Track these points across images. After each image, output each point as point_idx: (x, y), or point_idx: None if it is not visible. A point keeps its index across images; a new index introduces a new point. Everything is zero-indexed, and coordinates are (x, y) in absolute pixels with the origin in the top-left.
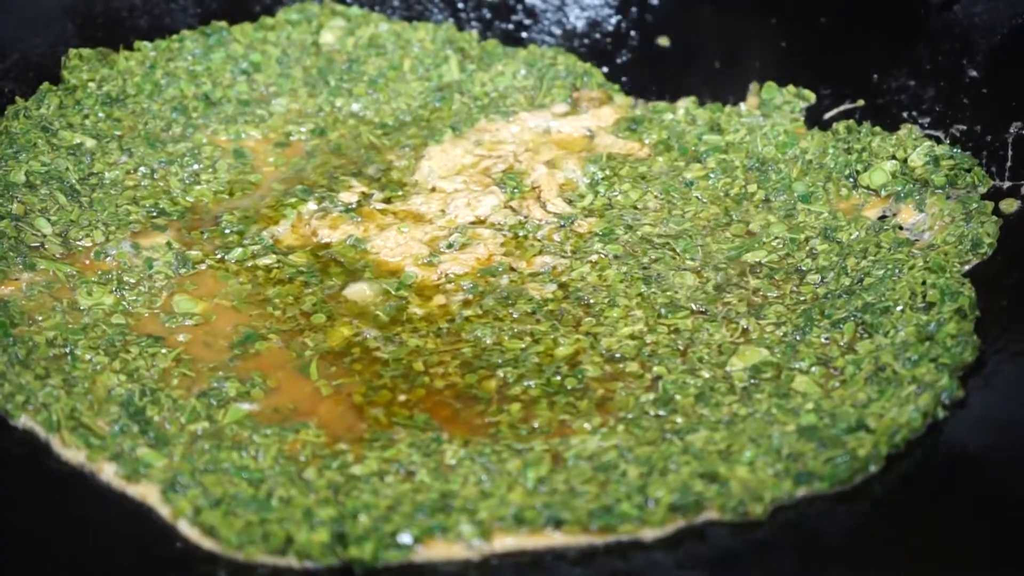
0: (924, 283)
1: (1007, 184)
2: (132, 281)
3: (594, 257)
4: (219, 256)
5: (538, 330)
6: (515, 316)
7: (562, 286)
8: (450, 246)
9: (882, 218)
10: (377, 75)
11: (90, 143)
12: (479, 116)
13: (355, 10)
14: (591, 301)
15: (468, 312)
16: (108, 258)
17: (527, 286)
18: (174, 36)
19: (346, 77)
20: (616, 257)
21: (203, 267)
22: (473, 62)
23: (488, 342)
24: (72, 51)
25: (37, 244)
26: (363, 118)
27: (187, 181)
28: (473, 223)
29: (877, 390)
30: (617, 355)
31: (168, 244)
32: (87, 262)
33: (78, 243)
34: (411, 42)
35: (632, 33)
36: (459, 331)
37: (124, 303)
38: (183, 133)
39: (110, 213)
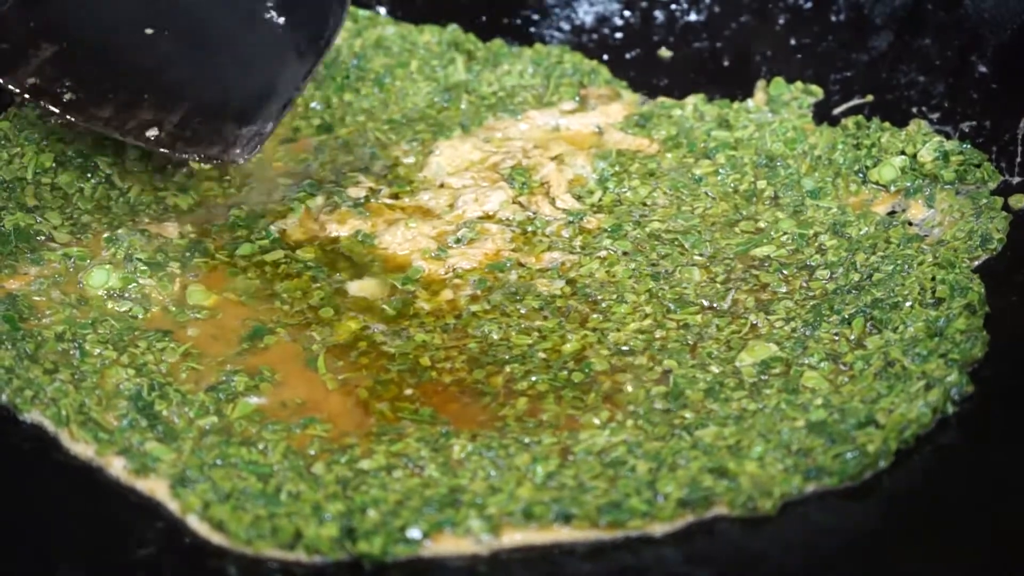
0: (933, 279)
1: (1016, 179)
2: (142, 259)
3: (603, 253)
4: (228, 251)
5: (545, 326)
6: (523, 312)
7: (570, 282)
8: (458, 241)
9: (891, 214)
10: (384, 73)
11: (97, 138)
12: (487, 115)
13: (362, 12)
14: (599, 297)
15: (475, 307)
16: (117, 249)
17: (535, 282)
18: None
19: (352, 74)
20: (625, 253)
21: (212, 262)
22: (479, 63)
23: (495, 337)
24: None
25: (46, 237)
26: (371, 114)
27: (194, 175)
28: (481, 218)
29: (886, 386)
30: (624, 348)
31: (179, 236)
32: (101, 252)
33: (88, 231)
34: (417, 44)
35: (640, 29)
36: (466, 326)
37: (134, 286)
38: None
39: (119, 207)
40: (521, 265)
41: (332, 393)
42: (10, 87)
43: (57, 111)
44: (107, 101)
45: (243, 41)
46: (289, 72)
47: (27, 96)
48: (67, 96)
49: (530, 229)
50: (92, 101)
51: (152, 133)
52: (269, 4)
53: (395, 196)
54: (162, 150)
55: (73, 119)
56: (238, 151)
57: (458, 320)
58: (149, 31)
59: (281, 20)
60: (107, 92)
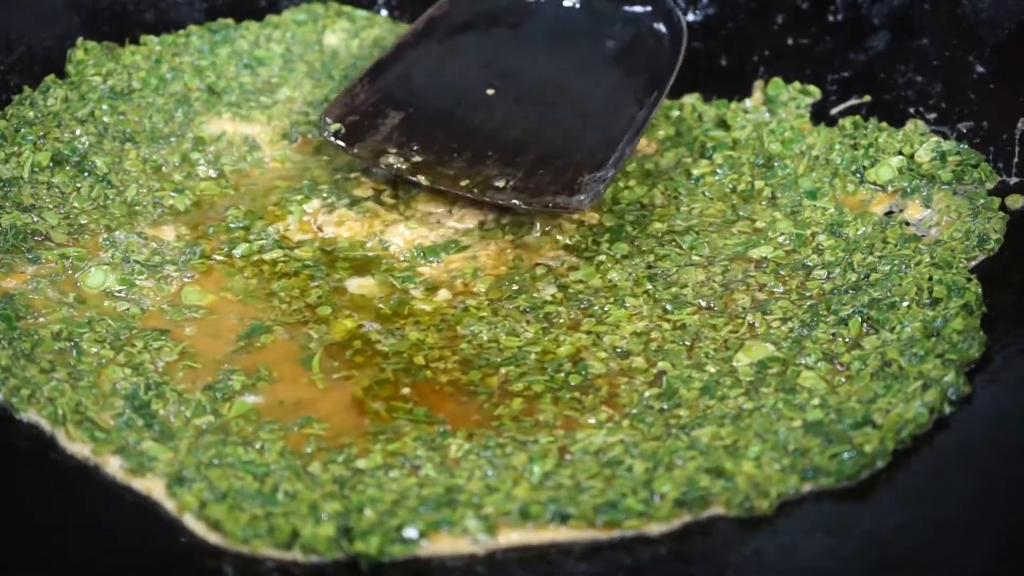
0: (930, 279)
1: (1014, 180)
2: (140, 261)
3: (602, 257)
4: (226, 251)
5: (530, 330)
6: (514, 313)
7: (562, 287)
8: (456, 244)
9: (888, 214)
10: None
11: (94, 137)
12: None
13: (360, 12)
14: (591, 301)
15: (468, 305)
16: (115, 251)
17: (532, 285)
18: (180, 31)
19: (351, 74)
20: (623, 256)
21: (210, 262)
22: None
23: (484, 338)
24: (79, 42)
25: (42, 236)
26: None
27: (192, 176)
28: (481, 221)
29: (883, 386)
30: (619, 350)
31: (176, 238)
32: (98, 253)
33: (85, 231)
34: None
35: None
36: (456, 324)
37: (131, 289)
38: (188, 127)
39: (116, 207)
40: (516, 268)
41: (328, 392)
42: (362, 155)
43: (407, 173)
44: (453, 160)
45: (582, 92)
46: (628, 116)
47: (380, 164)
48: (416, 158)
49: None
50: (440, 162)
51: (498, 185)
52: (607, 54)
53: (395, 198)
54: (508, 203)
55: (423, 179)
56: (583, 197)
57: (448, 321)
58: (490, 91)
59: (619, 68)
60: (453, 152)
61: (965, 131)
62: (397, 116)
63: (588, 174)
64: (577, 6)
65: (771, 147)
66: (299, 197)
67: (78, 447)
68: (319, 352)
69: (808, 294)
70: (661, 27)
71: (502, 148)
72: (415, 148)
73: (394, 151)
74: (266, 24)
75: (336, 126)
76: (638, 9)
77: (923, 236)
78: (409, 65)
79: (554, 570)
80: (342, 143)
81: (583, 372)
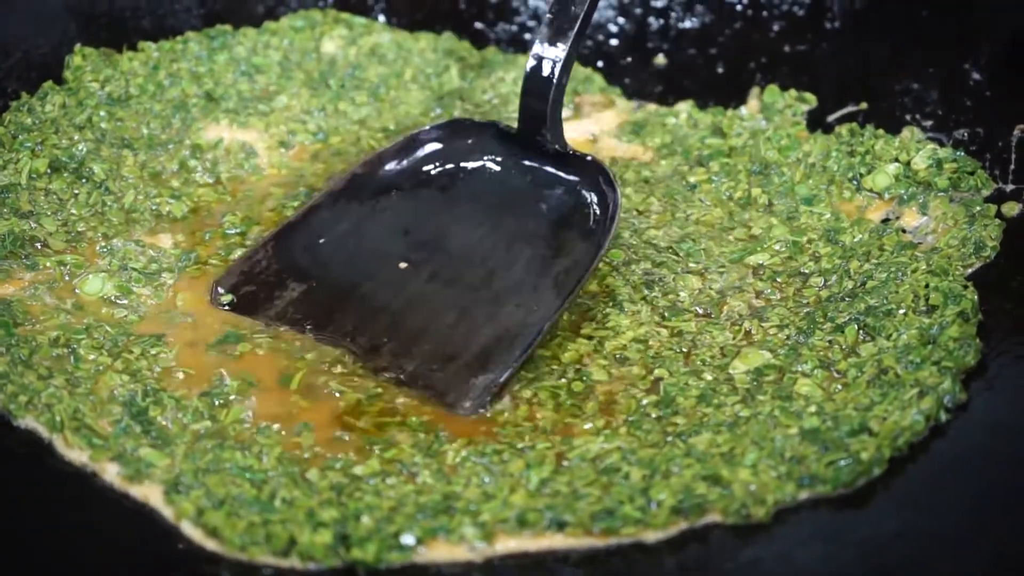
0: (927, 286)
1: (1010, 187)
2: (137, 268)
3: (599, 264)
4: (222, 256)
5: None
6: None
7: None
8: None
9: (885, 221)
10: (379, 83)
11: (92, 144)
12: None
13: (358, 19)
14: (591, 304)
15: None
16: (112, 258)
17: None
18: (178, 38)
19: (348, 83)
20: (621, 263)
21: (206, 267)
22: (474, 70)
23: None
24: (76, 48)
25: (40, 243)
26: (364, 123)
27: (189, 182)
28: None
29: (879, 393)
30: (618, 356)
31: (173, 245)
32: (96, 261)
33: (83, 238)
34: (412, 52)
35: (635, 36)
36: None
37: (129, 296)
38: (185, 134)
39: (113, 213)
40: None
41: (320, 402)
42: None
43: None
44: (343, 345)
45: (502, 270)
46: (542, 309)
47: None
48: (308, 330)
49: None
50: (329, 342)
51: (386, 377)
52: (536, 228)
53: None
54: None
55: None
56: (467, 404)
57: None
58: (403, 265)
59: (546, 245)
60: (348, 335)
61: (961, 138)
62: (298, 288)
63: (481, 376)
64: (514, 172)
65: (767, 154)
66: (295, 203)
67: (76, 454)
68: (302, 371)
69: (805, 301)
70: (595, 205)
71: (400, 336)
72: (308, 328)
73: (284, 329)
74: (264, 31)
75: (228, 297)
76: (577, 181)
77: (919, 243)
78: (321, 229)
79: None
80: (232, 313)
81: (584, 378)
